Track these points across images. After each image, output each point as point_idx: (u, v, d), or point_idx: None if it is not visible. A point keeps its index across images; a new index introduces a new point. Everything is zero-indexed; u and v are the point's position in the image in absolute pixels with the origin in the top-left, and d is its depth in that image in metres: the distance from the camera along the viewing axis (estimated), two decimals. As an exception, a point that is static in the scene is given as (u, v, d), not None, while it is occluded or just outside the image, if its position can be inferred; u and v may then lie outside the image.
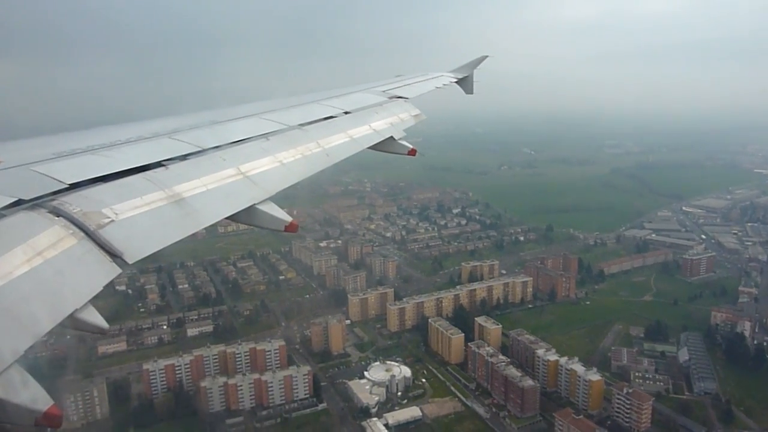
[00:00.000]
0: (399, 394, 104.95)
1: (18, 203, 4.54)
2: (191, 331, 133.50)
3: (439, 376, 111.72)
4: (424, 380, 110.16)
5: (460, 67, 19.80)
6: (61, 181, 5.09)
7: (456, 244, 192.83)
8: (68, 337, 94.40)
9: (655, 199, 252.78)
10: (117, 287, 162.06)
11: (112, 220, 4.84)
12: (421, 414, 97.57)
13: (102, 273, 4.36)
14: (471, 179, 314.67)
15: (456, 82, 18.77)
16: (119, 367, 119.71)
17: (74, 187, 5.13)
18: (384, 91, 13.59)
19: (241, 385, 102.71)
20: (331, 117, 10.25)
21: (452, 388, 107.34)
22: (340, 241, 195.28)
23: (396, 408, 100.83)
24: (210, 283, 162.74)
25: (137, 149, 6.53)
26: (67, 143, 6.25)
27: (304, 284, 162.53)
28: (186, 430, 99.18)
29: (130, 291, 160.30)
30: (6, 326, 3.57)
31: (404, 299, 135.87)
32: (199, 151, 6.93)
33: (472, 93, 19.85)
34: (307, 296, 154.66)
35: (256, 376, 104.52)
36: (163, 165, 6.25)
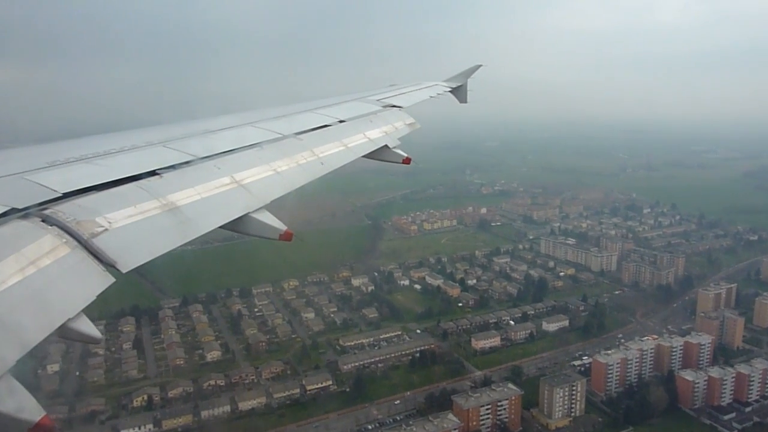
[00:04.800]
0: None
1: (11, 212, 4.46)
2: (548, 326, 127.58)
3: None
4: None
5: (454, 77, 19.57)
6: (54, 190, 5.00)
7: (696, 242, 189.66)
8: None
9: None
10: (400, 282, 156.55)
11: (106, 229, 4.75)
12: None
13: (95, 282, 4.27)
14: (605, 181, 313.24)
15: (450, 91, 18.56)
16: (521, 362, 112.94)
17: (68, 196, 5.02)
18: (378, 100, 13.47)
19: (725, 379, 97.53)
20: (325, 126, 10.15)
21: None
22: (571, 240, 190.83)
23: None
24: (497, 279, 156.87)
25: (131, 158, 6.42)
26: (61, 152, 6.12)
27: (594, 280, 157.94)
28: (683, 426, 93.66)
29: (418, 287, 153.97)
30: None
31: (764, 294, 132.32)
32: (193, 160, 6.80)
33: (466, 102, 19.51)
34: (617, 292, 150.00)
35: (731, 369, 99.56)
36: (157, 174, 6.14)
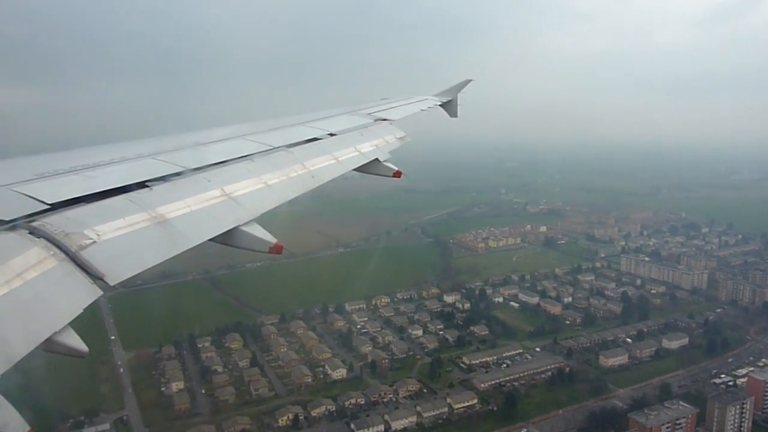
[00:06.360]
0: None
1: None
2: (669, 344, 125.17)
3: None
4: None
5: (445, 91, 19.82)
6: (42, 202, 4.95)
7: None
8: None
9: None
10: (494, 299, 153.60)
11: (94, 242, 4.70)
12: None
13: (83, 295, 4.23)
14: (644, 201, 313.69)
15: (440, 105, 18.80)
16: (660, 380, 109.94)
17: (56, 207, 4.97)
18: (369, 114, 13.47)
19: None
20: (316, 139, 10.18)
21: None
22: (646, 258, 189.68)
23: None
24: (593, 297, 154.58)
25: (121, 170, 6.39)
26: (50, 164, 6.08)
27: (690, 298, 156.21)
28: None
29: (514, 304, 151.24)
30: None
31: None
32: (183, 172, 6.78)
33: (456, 116, 19.60)
34: (718, 310, 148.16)
35: None
36: (147, 186, 6.10)
